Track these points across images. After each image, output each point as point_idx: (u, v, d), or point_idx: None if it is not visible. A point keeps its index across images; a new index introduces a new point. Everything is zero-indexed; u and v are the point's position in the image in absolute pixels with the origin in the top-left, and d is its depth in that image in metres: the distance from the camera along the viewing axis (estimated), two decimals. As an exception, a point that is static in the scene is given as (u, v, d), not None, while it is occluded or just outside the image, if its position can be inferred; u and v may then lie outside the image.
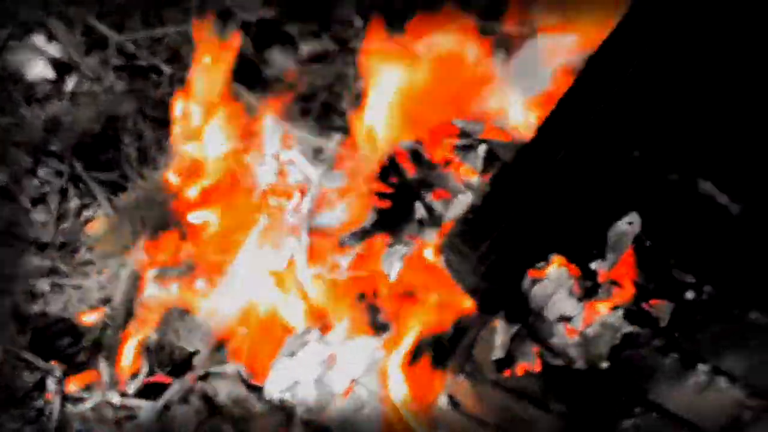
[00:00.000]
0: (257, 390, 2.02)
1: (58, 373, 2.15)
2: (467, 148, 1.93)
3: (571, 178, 1.56)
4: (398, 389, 2.02)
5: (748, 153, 1.55)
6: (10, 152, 2.55)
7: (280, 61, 2.93)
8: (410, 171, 1.99)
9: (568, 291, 1.60)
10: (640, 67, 1.53)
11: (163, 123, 2.69)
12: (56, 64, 2.87)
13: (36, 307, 2.27)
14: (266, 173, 2.63)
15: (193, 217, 2.47)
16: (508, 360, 1.63)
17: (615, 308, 1.59)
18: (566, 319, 1.59)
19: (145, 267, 2.38)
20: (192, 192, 2.51)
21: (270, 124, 2.74)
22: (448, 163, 1.94)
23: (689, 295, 1.67)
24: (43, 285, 2.32)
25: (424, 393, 2.01)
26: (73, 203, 2.48)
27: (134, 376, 2.16)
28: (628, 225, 1.58)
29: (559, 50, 2.94)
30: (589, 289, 1.59)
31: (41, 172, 2.53)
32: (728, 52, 1.48)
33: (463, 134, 1.96)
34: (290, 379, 1.99)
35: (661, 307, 1.60)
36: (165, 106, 2.74)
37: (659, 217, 1.60)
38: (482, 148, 1.90)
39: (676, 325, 1.66)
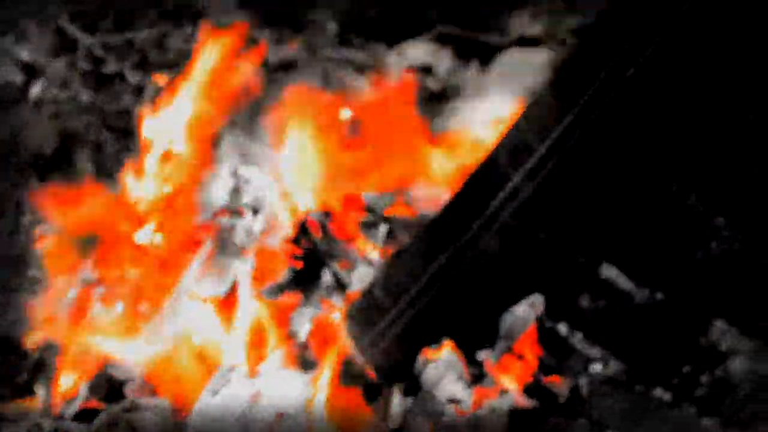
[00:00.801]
0: (182, 425, 2.08)
1: None
2: (370, 225, 1.96)
3: (471, 262, 1.58)
4: (324, 426, 2.07)
5: (655, 240, 1.55)
6: None
7: (247, 69, 2.94)
8: (319, 239, 2.03)
9: (458, 375, 1.63)
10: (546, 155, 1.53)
11: (123, 134, 2.73)
12: (25, 67, 2.92)
13: None
14: (221, 190, 2.66)
15: (142, 237, 2.52)
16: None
17: (503, 392, 1.61)
18: (455, 401, 1.62)
19: (92, 287, 2.45)
20: (144, 210, 2.56)
21: (230, 138, 2.76)
22: (352, 238, 1.97)
23: (596, 368, 1.68)
24: None
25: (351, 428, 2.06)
26: (28, 217, 2.55)
27: (71, 400, 2.23)
28: (528, 308, 1.59)
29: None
30: (477, 376, 1.63)
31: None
32: (633, 148, 1.47)
33: (369, 209, 1.99)
34: (212, 417, 2.05)
35: (560, 384, 1.62)
36: (127, 116, 2.78)
37: (564, 297, 1.62)
38: (383, 228, 1.93)
39: (580, 400, 1.67)
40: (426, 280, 1.60)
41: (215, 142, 2.75)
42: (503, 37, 3.13)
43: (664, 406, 1.67)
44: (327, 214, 2.04)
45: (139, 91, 2.81)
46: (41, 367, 2.28)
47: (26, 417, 2.22)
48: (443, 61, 3.04)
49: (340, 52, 3.03)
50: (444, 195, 1.85)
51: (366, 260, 1.94)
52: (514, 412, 1.57)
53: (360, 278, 1.90)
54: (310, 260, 2.01)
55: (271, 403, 2.09)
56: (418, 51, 3.06)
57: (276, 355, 2.15)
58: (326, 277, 1.97)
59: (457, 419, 1.60)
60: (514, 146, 1.57)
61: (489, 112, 2.75)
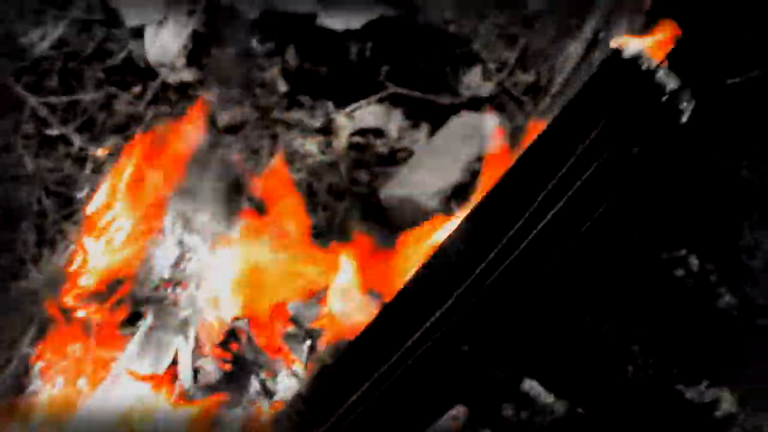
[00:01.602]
0: None
1: None
2: (295, 338, 1.99)
3: (393, 382, 1.60)
4: None
5: (574, 361, 1.58)
6: None
7: (192, 133, 2.95)
8: (246, 347, 2.05)
9: None
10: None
11: (66, 202, 2.74)
12: (-33, 129, 2.92)
13: None
14: (165, 261, 2.67)
15: (84, 310, 2.52)
16: None
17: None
18: None
19: (32, 361, 2.45)
20: (85, 283, 2.56)
21: (175, 207, 2.78)
22: (278, 349, 2.00)
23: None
24: None
25: None
26: (-34, 290, 2.55)
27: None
28: (451, 420, 1.63)
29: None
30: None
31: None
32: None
33: (295, 320, 2.02)
34: None
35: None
36: (71, 183, 2.79)
37: (488, 407, 1.65)
38: (307, 344, 1.96)
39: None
40: (348, 401, 1.62)
41: (161, 209, 2.76)
42: (454, 97, 3.17)
43: None
44: (251, 323, 2.06)
45: (83, 159, 2.82)
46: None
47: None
48: (394, 122, 3.07)
49: (289, 113, 3.06)
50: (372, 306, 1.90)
51: (292, 372, 1.97)
52: None
53: (285, 389, 1.93)
54: (239, 364, 2.03)
55: None
56: (369, 113, 3.08)
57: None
58: (253, 385, 2.00)
59: None
60: (439, 269, 1.60)
61: (434, 183, 2.79)
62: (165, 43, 3.22)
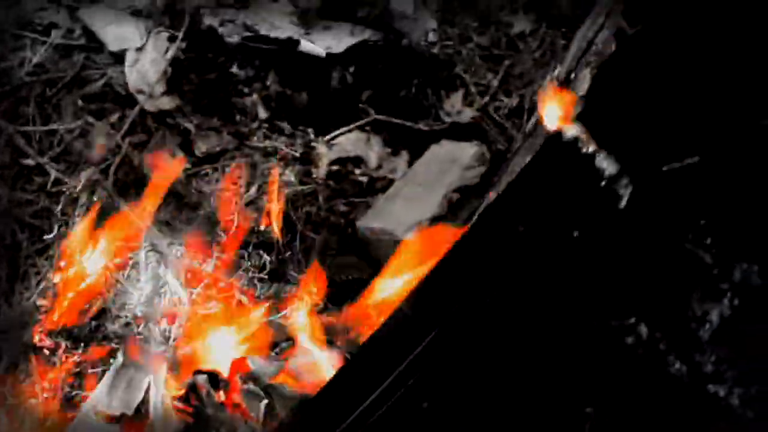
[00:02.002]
0: None
1: None
2: (252, 396, 1.98)
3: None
4: None
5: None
6: None
7: (168, 164, 2.95)
8: (206, 401, 2.05)
9: None
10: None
11: (40, 236, 2.73)
12: (-59, 159, 2.92)
13: None
14: (138, 296, 2.67)
15: (54, 347, 2.52)
16: None
17: None
18: None
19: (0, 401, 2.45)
20: (57, 319, 2.56)
21: (150, 239, 2.77)
22: (236, 405, 1.99)
23: None
24: None
25: None
26: (-65, 327, 2.55)
27: None
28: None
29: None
30: None
31: None
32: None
33: (254, 377, 2.01)
34: None
35: None
36: (46, 216, 2.79)
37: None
38: (263, 403, 1.95)
39: None
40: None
41: (135, 241, 2.75)
42: (435, 123, 3.15)
43: None
44: (214, 377, 2.05)
45: (58, 191, 2.81)
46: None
47: None
48: (374, 150, 3.05)
49: (267, 141, 3.04)
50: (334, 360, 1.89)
51: (250, 429, 1.96)
52: None
53: None
54: (199, 418, 2.02)
55: None
56: (349, 140, 3.07)
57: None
58: None
59: None
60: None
61: (411, 215, 2.77)
62: (145, 69, 3.21)
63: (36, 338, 2.53)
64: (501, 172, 2.72)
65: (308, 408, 1.73)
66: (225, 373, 2.07)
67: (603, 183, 1.29)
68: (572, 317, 1.43)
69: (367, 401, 1.59)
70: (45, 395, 2.47)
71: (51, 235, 2.74)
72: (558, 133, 1.32)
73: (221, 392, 2.01)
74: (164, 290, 2.67)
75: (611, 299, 1.41)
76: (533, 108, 3.16)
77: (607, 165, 1.28)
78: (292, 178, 2.96)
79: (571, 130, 1.31)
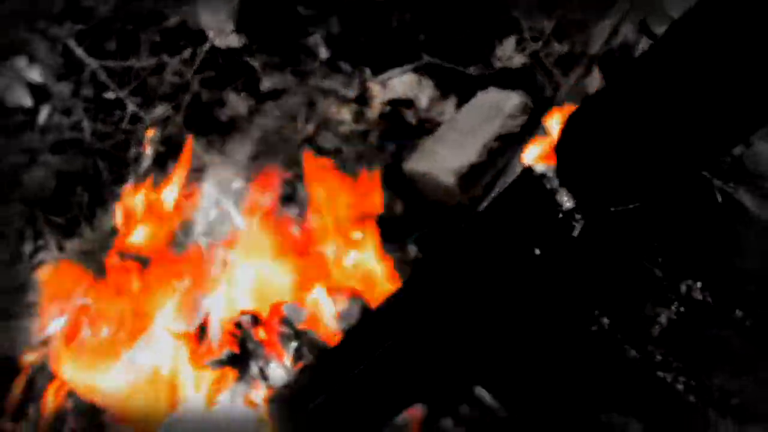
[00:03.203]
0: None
1: None
2: (285, 338, 2.29)
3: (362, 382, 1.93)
4: None
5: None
6: None
7: (234, 101, 3.23)
8: (249, 338, 2.38)
9: None
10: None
11: (119, 166, 3.08)
12: (34, 90, 3.27)
13: None
14: (202, 223, 3.01)
15: (129, 268, 2.89)
16: None
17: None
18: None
19: (83, 313, 2.85)
20: (133, 242, 2.92)
21: (214, 172, 3.09)
22: (273, 344, 2.31)
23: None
24: None
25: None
26: (28, 246, 2.95)
27: (57, 422, 2.66)
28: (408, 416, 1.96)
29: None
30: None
31: (4, 210, 3.00)
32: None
33: (287, 321, 2.32)
34: None
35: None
36: (124, 147, 3.13)
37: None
38: (293, 345, 2.26)
39: None
40: (320, 398, 1.96)
41: (199, 173, 3.07)
42: (485, 69, 3.34)
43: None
44: (256, 318, 2.38)
45: (135, 124, 3.14)
46: (32, 388, 2.70)
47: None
48: (425, 93, 3.27)
49: (326, 80, 3.29)
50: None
51: (282, 365, 2.30)
52: None
53: (277, 377, 2.27)
54: (243, 349, 2.37)
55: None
56: (402, 83, 3.29)
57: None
58: (253, 369, 2.34)
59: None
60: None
61: (453, 160, 3.00)
62: (217, 7, 3.47)
63: (114, 259, 2.90)
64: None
65: (329, 354, 2.05)
66: (265, 314, 2.40)
67: (560, 214, 1.56)
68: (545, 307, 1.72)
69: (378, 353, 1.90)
70: (121, 310, 2.85)
71: (128, 165, 3.07)
72: (529, 169, 1.60)
73: (261, 331, 2.35)
74: (225, 219, 2.99)
75: (580, 297, 1.69)
76: (582, 56, 3.31)
77: (565, 200, 1.55)
78: (347, 117, 3.21)
79: (541, 168, 1.58)
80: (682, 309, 1.67)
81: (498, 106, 3.08)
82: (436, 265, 1.85)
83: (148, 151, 3.09)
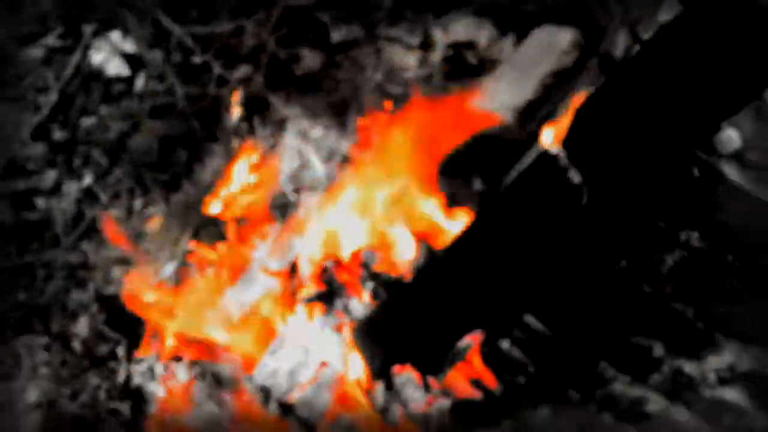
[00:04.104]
0: (249, 378, 2.93)
1: (124, 344, 3.16)
2: (363, 280, 2.66)
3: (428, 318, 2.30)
4: (355, 368, 2.86)
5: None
6: (93, 153, 3.46)
7: (308, 56, 3.56)
8: (334, 279, 2.76)
9: (415, 385, 2.40)
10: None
11: (210, 124, 3.47)
12: (130, 60, 3.67)
13: (111, 290, 3.26)
14: (287, 171, 3.38)
15: (226, 214, 3.30)
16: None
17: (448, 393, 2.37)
18: (414, 400, 2.41)
19: (189, 259, 3.28)
20: (229, 193, 3.33)
21: (295, 123, 3.44)
22: (353, 285, 2.70)
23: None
24: (116, 272, 3.29)
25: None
26: (138, 201, 3.38)
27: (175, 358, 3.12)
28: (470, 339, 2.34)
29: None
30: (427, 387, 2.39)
31: (116, 172, 3.44)
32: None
33: (365, 265, 2.68)
34: (270, 373, 2.88)
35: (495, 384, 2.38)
36: (213, 108, 3.50)
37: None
38: (370, 285, 2.63)
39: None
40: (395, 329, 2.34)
41: (281, 126, 3.43)
42: (540, 4, 3.55)
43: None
44: (339, 263, 2.76)
45: (222, 85, 3.50)
46: (154, 327, 3.16)
47: (146, 362, 3.13)
48: (483, 34, 3.52)
49: (392, 29, 3.57)
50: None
51: (362, 302, 2.68)
52: (455, 405, 2.33)
53: (358, 313, 2.66)
54: (329, 288, 2.76)
55: (316, 358, 2.90)
56: (462, 25, 3.54)
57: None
58: (338, 304, 2.73)
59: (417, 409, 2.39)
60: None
61: (511, 98, 3.27)
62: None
63: (213, 209, 3.31)
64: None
65: (401, 290, 2.42)
66: (346, 259, 2.78)
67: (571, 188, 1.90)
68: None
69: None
70: (222, 254, 3.27)
71: (219, 124, 3.45)
72: (546, 150, 1.93)
73: (343, 273, 2.73)
74: (308, 167, 3.35)
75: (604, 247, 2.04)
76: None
77: (574, 176, 1.88)
78: (412, 63, 3.50)
79: (555, 149, 1.91)
80: (684, 254, 2.04)
81: (552, 42, 3.30)
82: (489, 217, 2.20)
83: (235, 109, 3.45)
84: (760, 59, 1.82)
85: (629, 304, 2.20)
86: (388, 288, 2.62)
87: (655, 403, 2.31)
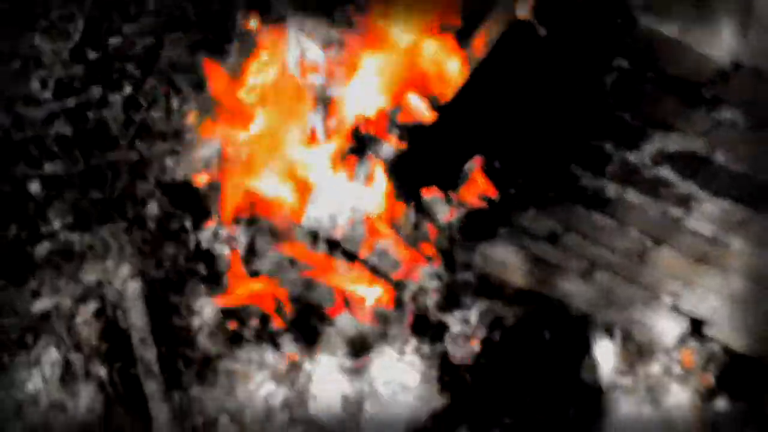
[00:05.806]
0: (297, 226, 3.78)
1: (189, 217, 3.98)
2: (391, 128, 3.46)
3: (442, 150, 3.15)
4: (379, 206, 3.73)
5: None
6: (127, 67, 4.17)
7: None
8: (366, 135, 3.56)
9: (439, 202, 3.29)
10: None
11: (221, 26, 4.17)
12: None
13: (167, 176, 4.05)
14: (291, 60, 4.12)
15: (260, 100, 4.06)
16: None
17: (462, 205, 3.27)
18: (441, 212, 3.31)
19: (230, 139, 4.06)
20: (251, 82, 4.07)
21: (294, 19, 4.16)
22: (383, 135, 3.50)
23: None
24: (169, 161, 4.07)
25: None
26: (175, 101, 4.13)
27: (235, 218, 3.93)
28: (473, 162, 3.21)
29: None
30: (449, 200, 3.27)
31: (150, 80, 4.16)
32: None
33: (390, 119, 3.48)
34: (315, 217, 3.74)
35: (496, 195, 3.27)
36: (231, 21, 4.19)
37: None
38: (396, 131, 3.43)
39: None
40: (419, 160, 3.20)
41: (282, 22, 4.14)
42: None
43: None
44: (368, 119, 3.56)
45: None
46: (207, 200, 3.97)
47: (209, 229, 3.96)
48: None
49: None
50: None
51: (391, 146, 3.51)
52: (468, 213, 3.24)
53: (388, 154, 3.50)
54: (361, 141, 3.57)
55: (349, 202, 3.75)
56: None
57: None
58: (369, 150, 3.56)
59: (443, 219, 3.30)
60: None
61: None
62: None
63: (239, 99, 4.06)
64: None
65: (421, 132, 3.31)
66: (374, 117, 3.59)
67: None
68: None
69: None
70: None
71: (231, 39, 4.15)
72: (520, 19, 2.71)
73: (372, 128, 3.55)
74: (307, 54, 4.09)
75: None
76: None
77: (540, 30, 2.67)
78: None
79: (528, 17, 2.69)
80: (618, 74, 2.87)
81: None
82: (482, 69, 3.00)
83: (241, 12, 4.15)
84: None
85: (583, 117, 2.98)
86: (410, 132, 3.44)
87: (612, 189, 3.22)
